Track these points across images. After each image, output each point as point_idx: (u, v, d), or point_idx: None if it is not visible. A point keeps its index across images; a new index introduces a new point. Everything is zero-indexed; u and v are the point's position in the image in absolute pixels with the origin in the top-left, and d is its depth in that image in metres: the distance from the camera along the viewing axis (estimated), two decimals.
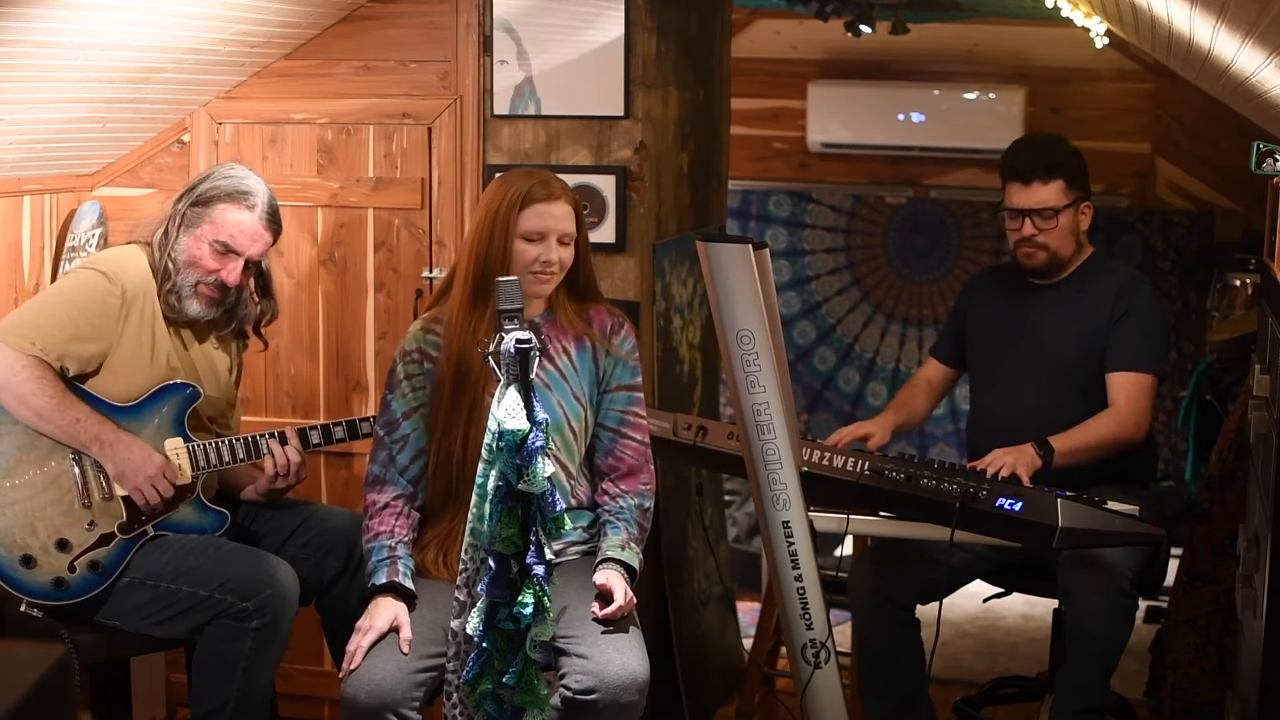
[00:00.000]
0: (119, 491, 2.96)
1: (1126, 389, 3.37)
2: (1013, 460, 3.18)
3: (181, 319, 3.09)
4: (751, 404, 3.00)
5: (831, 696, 3.11)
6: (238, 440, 3.09)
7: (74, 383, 2.96)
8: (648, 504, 2.94)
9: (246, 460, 3.10)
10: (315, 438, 3.19)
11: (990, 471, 3.16)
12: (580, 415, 2.92)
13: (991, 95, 5.98)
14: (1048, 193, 3.40)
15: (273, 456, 3.10)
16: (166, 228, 3.06)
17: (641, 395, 2.98)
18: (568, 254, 2.86)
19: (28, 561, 2.89)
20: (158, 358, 3.03)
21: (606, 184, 3.62)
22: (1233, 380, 4.25)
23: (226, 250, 3.05)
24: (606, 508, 2.92)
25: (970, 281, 3.87)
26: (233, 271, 3.07)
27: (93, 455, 2.94)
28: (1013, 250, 3.51)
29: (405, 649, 2.71)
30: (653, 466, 2.97)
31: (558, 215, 2.83)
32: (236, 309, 3.18)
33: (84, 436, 2.92)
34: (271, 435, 3.12)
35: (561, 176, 2.95)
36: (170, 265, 3.04)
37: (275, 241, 3.16)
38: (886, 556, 3.42)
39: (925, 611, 3.41)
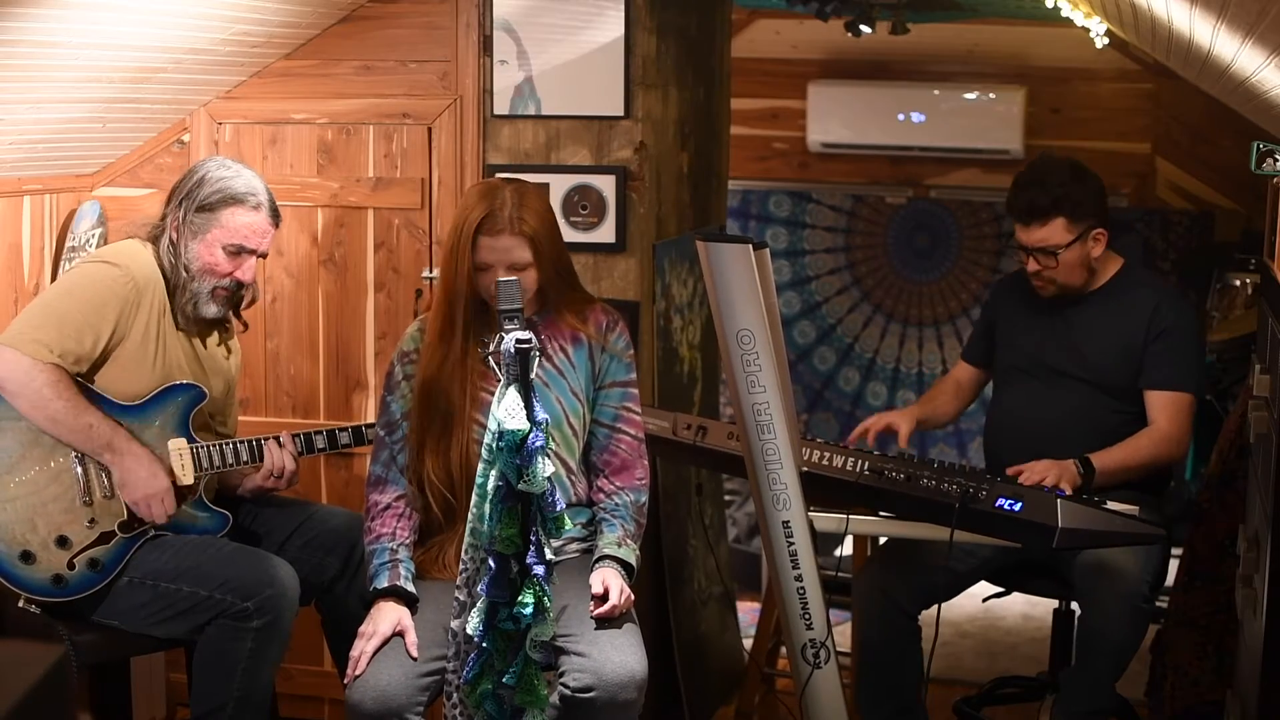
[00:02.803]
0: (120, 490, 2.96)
1: (1167, 409, 3.36)
2: (1056, 474, 3.15)
3: (194, 323, 3.10)
4: (751, 404, 3.00)
5: (831, 696, 3.11)
6: (241, 443, 3.10)
7: (85, 384, 2.96)
8: (643, 499, 2.94)
9: (250, 463, 3.11)
10: (320, 442, 3.20)
11: (1030, 483, 3.14)
12: (579, 411, 2.93)
13: (991, 95, 5.98)
14: (1047, 232, 3.36)
15: (271, 457, 3.11)
16: (170, 236, 3.06)
17: (636, 391, 3.00)
18: (524, 280, 2.80)
19: (27, 557, 2.89)
20: (164, 355, 3.03)
21: (606, 184, 3.62)
22: (1233, 380, 4.25)
23: (240, 251, 3.07)
24: (602, 505, 2.92)
25: (999, 284, 3.85)
26: (247, 270, 3.10)
27: (102, 460, 2.94)
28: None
29: (414, 653, 2.71)
30: (646, 462, 2.98)
31: (499, 249, 2.82)
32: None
33: (96, 443, 2.93)
34: (271, 438, 3.13)
35: (532, 188, 2.93)
36: (185, 274, 3.05)
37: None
38: (893, 562, 3.42)
39: (925, 615, 3.41)
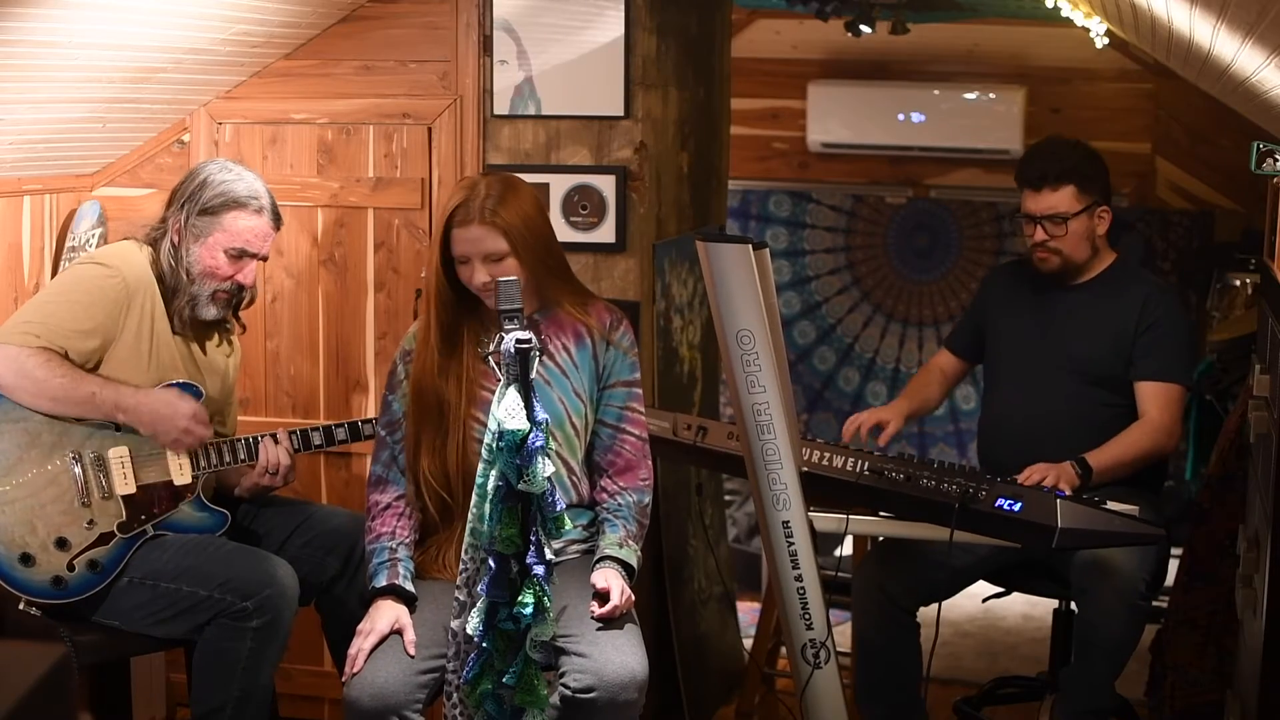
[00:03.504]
0: (119, 490, 2.96)
1: (1159, 400, 3.37)
2: (1055, 476, 3.17)
3: (191, 326, 3.10)
4: (751, 404, 3.00)
5: (831, 696, 3.11)
6: (239, 441, 3.10)
7: None
8: (646, 500, 2.94)
9: (247, 461, 3.11)
10: (317, 439, 3.19)
11: (1029, 485, 3.14)
12: (581, 411, 2.92)
13: (991, 95, 5.98)
14: (1057, 199, 3.40)
15: (266, 453, 3.11)
16: (172, 239, 3.06)
17: (640, 391, 2.99)
18: (503, 269, 2.78)
19: (27, 560, 2.89)
20: (157, 356, 3.03)
21: (606, 184, 3.62)
22: (1233, 380, 4.25)
23: (241, 255, 3.08)
24: (604, 505, 2.92)
25: (990, 276, 3.87)
26: (248, 273, 3.11)
27: (119, 422, 2.94)
28: (1029, 254, 3.52)
29: (412, 651, 2.71)
30: (650, 463, 2.97)
31: (469, 239, 2.79)
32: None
33: (105, 407, 2.92)
34: (267, 435, 3.13)
35: (516, 180, 2.90)
36: (185, 276, 3.05)
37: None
38: (891, 558, 3.42)
39: (925, 612, 3.41)
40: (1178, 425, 3.40)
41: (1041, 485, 3.11)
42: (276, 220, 3.14)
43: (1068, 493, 3.12)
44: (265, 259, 3.17)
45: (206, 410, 3.12)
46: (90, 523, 2.94)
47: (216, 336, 3.20)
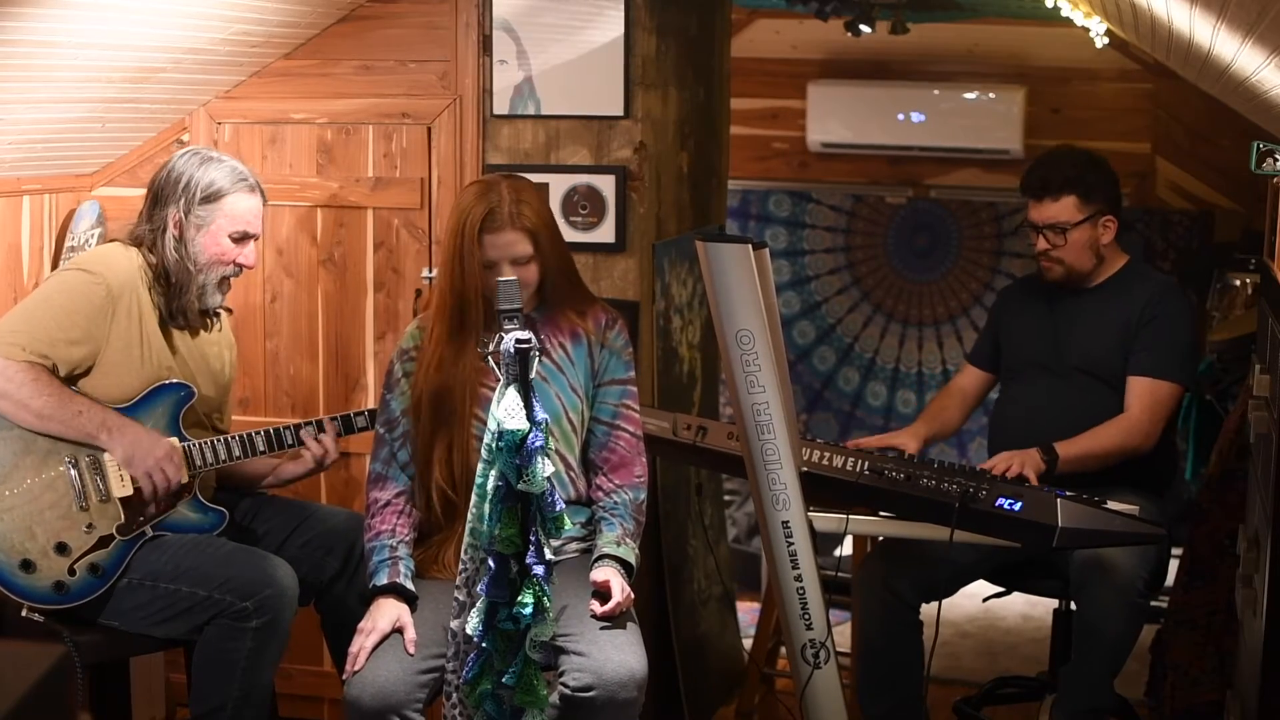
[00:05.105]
0: (117, 493, 2.96)
1: (1143, 396, 3.37)
2: (1019, 463, 3.19)
3: (196, 317, 3.10)
4: (751, 404, 3.00)
5: (831, 696, 3.11)
6: (233, 438, 3.09)
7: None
8: (641, 497, 2.95)
9: (243, 458, 3.10)
10: (311, 433, 3.19)
11: (996, 472, 3.17)
12: (578, 407, 2.94)
13: (991, 95, 5.97)
14: (1058, 209, 3.42)
15: (309, 447, 3.14)
16: (173, 234, 3.05)
17: (634, 389, 3.01)
18: (526, 273, 2.85)
19: (27, 566, 2.88)
20: (149, 356, 3.03)
21: (606, 184, 3.62)
22: (1233, 380, 4.25)
23: (244, 236, 3.09)
24: (601, 504, 2.93)
25: (1006, 290, 3.92)
26: (250, 254, 3.13)
27: (100, 444, 2.93)
28: (1036, 262, 3.54)
29: (411, 650, 2.71)
30: (645, 460, 2.99)
31: (502, 245, 2.84)
32: None
33: (90, 427, 2.92)
34: (303, 426, 3.16)
35: (526, 182, 2.94)
36: (191, 268, 3.04)
37: None
38: (895, 554, 3.43)
39: (925, 611, 3.41)
40: (1156, 425, 3.38)
41: (1006, 473, 3.14)
42: (264, 195, 3.17)
43: (1033, 479, 3.14)
44: (259, 237, 3.18)
45: (202, 408, 3.12)
46: (89, 526, 2.94)
47: (207, 322, 3.19)
